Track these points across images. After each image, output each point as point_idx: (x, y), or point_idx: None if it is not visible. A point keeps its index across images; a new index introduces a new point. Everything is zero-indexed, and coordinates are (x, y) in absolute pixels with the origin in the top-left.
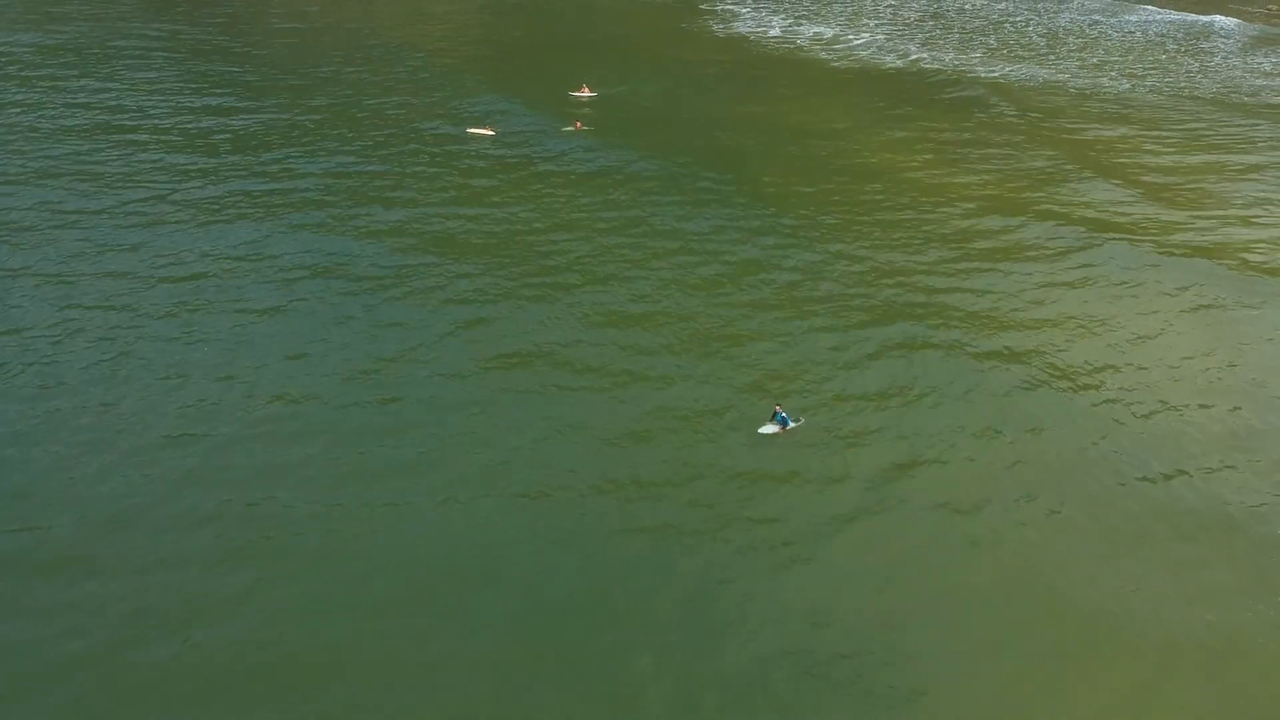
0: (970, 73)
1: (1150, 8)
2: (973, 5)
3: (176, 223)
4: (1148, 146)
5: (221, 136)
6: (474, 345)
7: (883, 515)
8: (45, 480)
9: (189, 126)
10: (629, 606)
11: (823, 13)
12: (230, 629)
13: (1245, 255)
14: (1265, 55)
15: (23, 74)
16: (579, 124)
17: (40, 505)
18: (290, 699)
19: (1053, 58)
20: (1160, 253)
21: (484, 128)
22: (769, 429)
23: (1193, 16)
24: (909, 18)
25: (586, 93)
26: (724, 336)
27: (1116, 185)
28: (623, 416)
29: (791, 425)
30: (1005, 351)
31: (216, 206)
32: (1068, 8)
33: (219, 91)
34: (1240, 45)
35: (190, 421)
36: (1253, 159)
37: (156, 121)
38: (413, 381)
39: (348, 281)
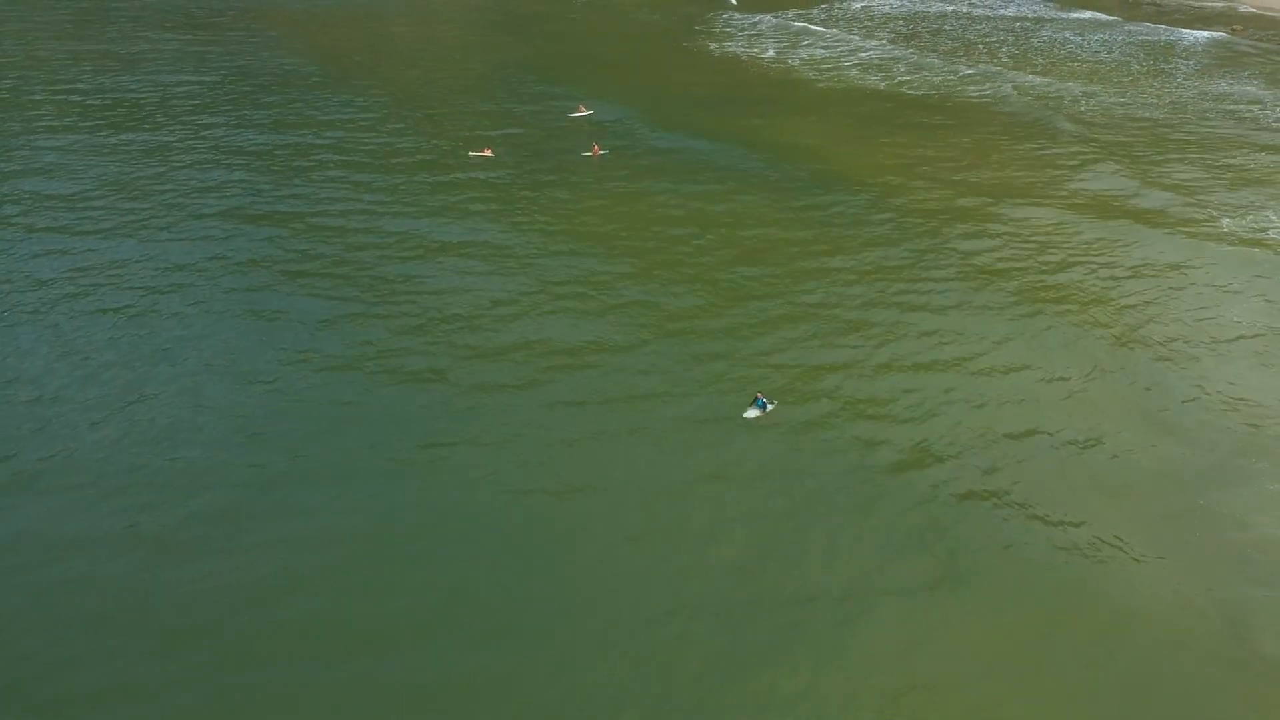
0: (955, 92)
1: (1130, 22)
2: (950, 27)
3: (188, 236)
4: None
5: (226, 160)
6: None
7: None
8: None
9: (198, 148)
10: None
11: (812, 35)
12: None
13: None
14: (1222, 76)
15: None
16: (596, 148)
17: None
18: None
19: (1016, 76)
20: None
21: (483, 150)
22: (751, 413)
23: (1161, 31)
24: (896, 38)
25: (583, 111)
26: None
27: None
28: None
29: (769, 409)
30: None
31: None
32: (1044, 26)
33: (227, 115)
34: (1201, 65)
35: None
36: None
37: (167, 145)
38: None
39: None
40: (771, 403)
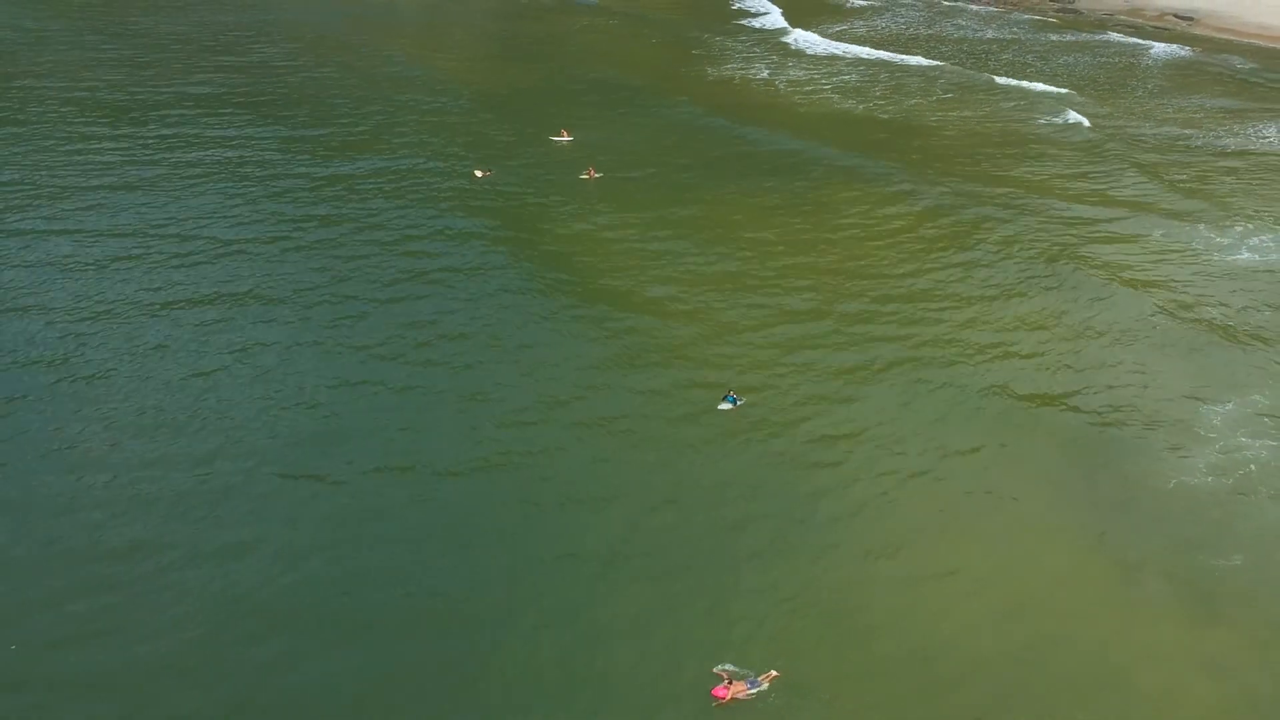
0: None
1: (1096, 33)
2: (926, 46)
3: (191, 260)
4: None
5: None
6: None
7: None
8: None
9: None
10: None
11: (803, 58)
12: None
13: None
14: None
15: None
16: (592, 170)
17: None
18: None
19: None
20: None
21: (481, 170)
22: (724, 406)
23: (1135, 42)
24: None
25: (566, 137)
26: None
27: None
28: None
29: (740, 403)
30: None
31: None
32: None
33: (227, 138)
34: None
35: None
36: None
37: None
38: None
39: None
40: (741, 399)
